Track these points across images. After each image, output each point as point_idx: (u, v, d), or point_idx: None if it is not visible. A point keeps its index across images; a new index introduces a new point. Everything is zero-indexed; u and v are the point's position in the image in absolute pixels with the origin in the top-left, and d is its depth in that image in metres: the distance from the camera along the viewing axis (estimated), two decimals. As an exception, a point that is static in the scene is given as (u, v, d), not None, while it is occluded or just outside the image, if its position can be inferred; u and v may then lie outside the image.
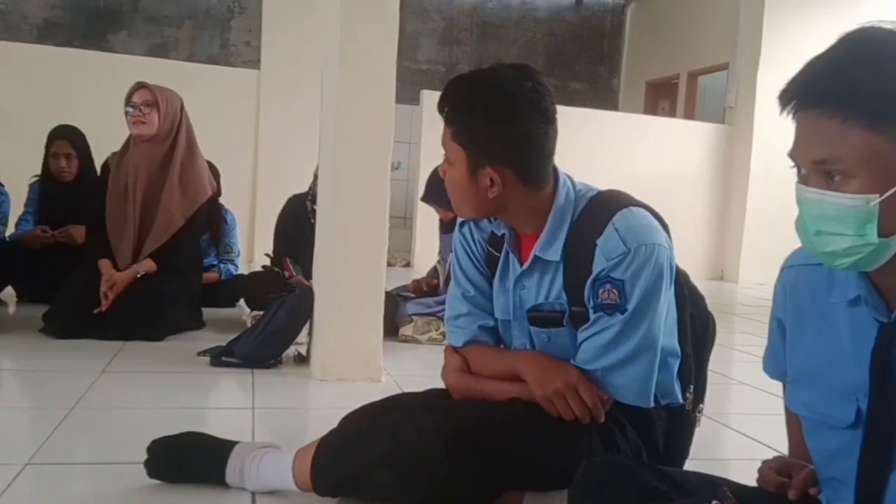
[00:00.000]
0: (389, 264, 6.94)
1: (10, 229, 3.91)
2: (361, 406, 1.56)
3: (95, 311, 2.98)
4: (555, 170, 1.49)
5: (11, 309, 3.66)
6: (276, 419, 2.22)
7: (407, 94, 7.40)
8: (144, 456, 1.59)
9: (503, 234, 1.54)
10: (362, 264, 2.63)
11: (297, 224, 3.60)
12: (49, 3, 8.93)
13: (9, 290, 3.78)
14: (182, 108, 3.20)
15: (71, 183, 3.79)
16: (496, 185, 1.43)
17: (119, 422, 2.04)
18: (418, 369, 2.96)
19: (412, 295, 3.60)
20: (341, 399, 2.39)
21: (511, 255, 1.53)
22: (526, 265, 1.49)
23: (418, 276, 3.96)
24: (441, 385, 1.60)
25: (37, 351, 2.80)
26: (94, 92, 5.70)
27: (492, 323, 1.61)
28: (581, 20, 10.57)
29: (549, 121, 1.43)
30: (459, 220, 1.65)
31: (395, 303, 3.46)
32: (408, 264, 7.09)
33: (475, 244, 1.63)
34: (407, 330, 3.38)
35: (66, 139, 3.80)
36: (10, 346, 2.84)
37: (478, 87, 1.43)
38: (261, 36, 6.68)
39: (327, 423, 1.58)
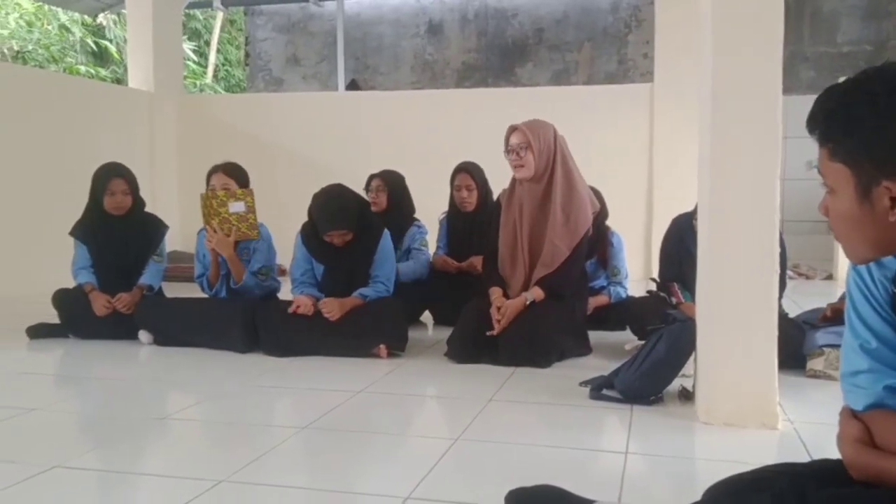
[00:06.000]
0: (807, 277, 6.25)
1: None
2: (729, 478, 1.35)
3: (487, 333, 3.16)
4: None
5: (430, 331, 4.11)
6: (649, 467, 2.06)
7: (825, 81, 6.55)
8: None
9: (915, 271, 1.19)
10: (748, 290, 2.32)
11: (683, 245, 3.38)
12: (466, 48, 9.99)
13: (427, 314, 4.28)
14: (556, 138, 3.24)
15: (472, 213, 4.16)
16: None
17: (495, 458, 2.09)
18: (828, 414, 2.49)
19: (821, 323, 3.10)
20: (727, 448, 2.15)
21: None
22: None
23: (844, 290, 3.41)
24: (836, 455, 1.30)
25: (437, 375, 3.08)
26: (501, 126, 6.17)
27: (901, 384, 1.26)
28: None
29: None
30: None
31: (801, 331, 3.03)
32: (830, 276, 6.24)
33: (875, 285, 1.28)
34: (817, 364, 2.92)
35: (467, 172, 4.19)
36: (419, 370, 3.16)
37: (855, 87, 1.13)
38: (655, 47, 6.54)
39: (706, 478, 1.41)
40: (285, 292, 3.77)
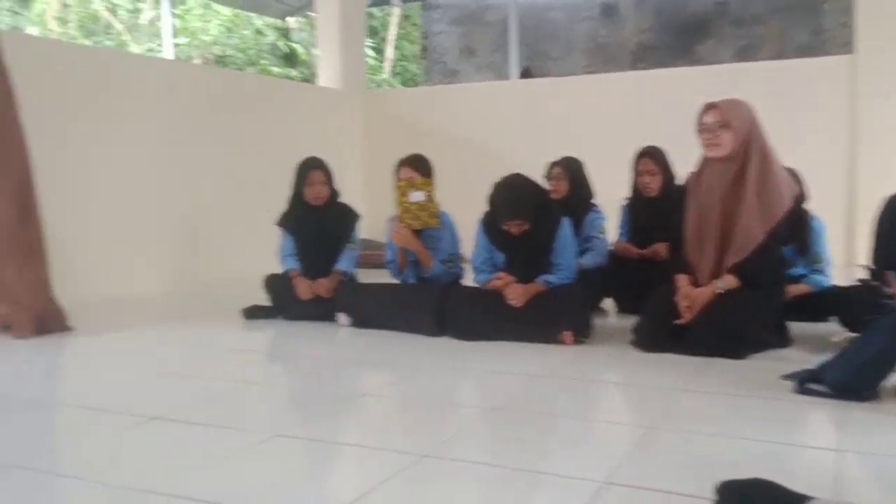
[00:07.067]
0: None
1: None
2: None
3: (675, 322, 3.08)
4: None
5: (612, 319, 4.07)
6: (866, 466, 1.93)
7: None
8: (711, 488, 1.58)
9: None
10: None
11: (899, 229, 3.09)
12: (641, 28, 9.70)
13: (609, 301, 4.23)
14: (754, 119, 3.08)
15: (655, 198, 4.07)
16: None
17: (691, 448, 2.04)
18: None
19: None
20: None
21: None
22: None
23: None
24: None
25: (624, 363, 3.04)
26: (680, 108, 5.93)
27: None
28: None
29: None
30: None
31: None
32: None
33: None
34: None
35: (650, 156, 4.12)
36: (604, 357, 3.14)
37: None
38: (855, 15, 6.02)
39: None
40: (468, 279, 3.88)
